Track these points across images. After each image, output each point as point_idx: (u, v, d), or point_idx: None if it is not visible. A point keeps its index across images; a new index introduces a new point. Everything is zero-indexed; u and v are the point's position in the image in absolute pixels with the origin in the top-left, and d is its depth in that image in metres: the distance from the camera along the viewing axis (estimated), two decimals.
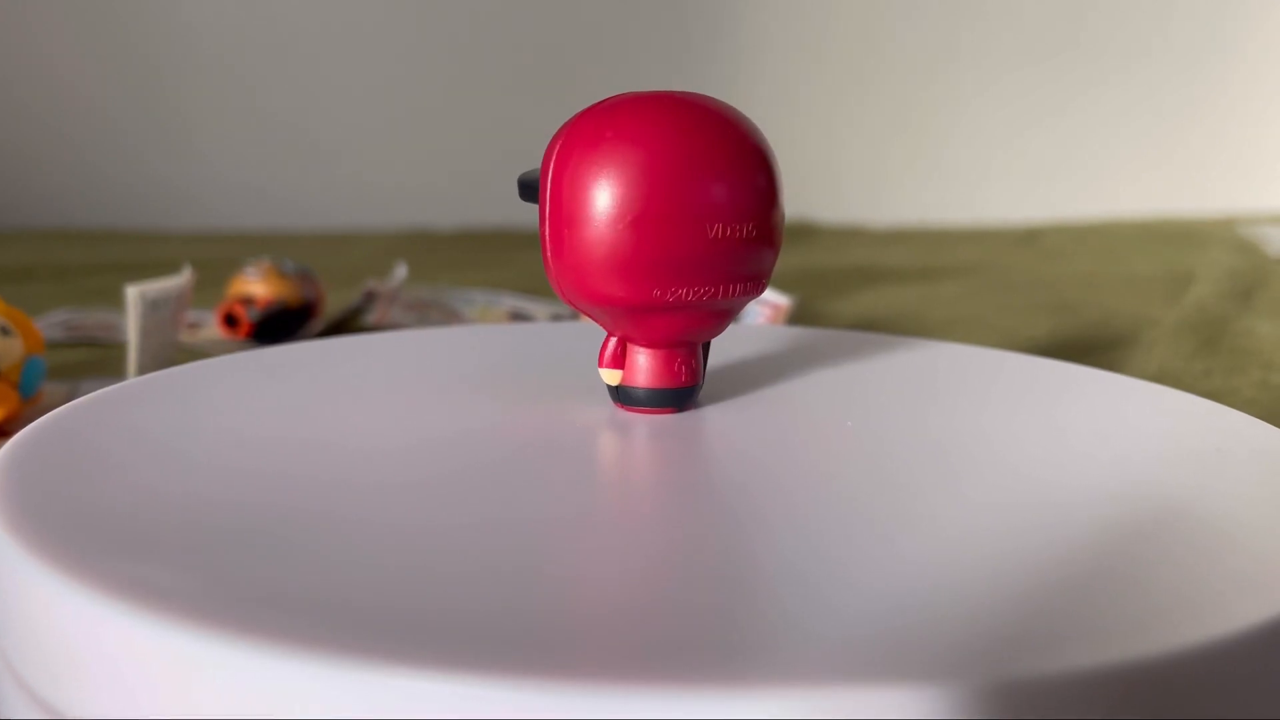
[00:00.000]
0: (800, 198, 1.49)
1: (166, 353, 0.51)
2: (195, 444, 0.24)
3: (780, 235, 0.27)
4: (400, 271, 0.71)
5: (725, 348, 0.34)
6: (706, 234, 0.25)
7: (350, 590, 0.17)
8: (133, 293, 0.46)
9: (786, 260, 1.10)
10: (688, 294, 0.26)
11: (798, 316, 0.73)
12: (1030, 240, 1.31)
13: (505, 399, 0.28)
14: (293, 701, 0.15)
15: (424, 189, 1.50)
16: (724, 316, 0.27)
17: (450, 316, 0.69)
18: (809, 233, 1.38)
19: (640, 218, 0.25)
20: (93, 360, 0.59)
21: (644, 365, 0.27)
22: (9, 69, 1.44)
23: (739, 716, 0.14)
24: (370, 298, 0.69)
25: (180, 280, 0.51)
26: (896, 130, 1.60)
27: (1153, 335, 0.67)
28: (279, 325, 0.63)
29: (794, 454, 0.25)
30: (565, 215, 0.25)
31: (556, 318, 0.69)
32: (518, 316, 0.69)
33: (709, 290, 0.26)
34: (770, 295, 0.56)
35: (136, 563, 0.18)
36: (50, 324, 0.66)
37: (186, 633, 0.15)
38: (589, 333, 0.36)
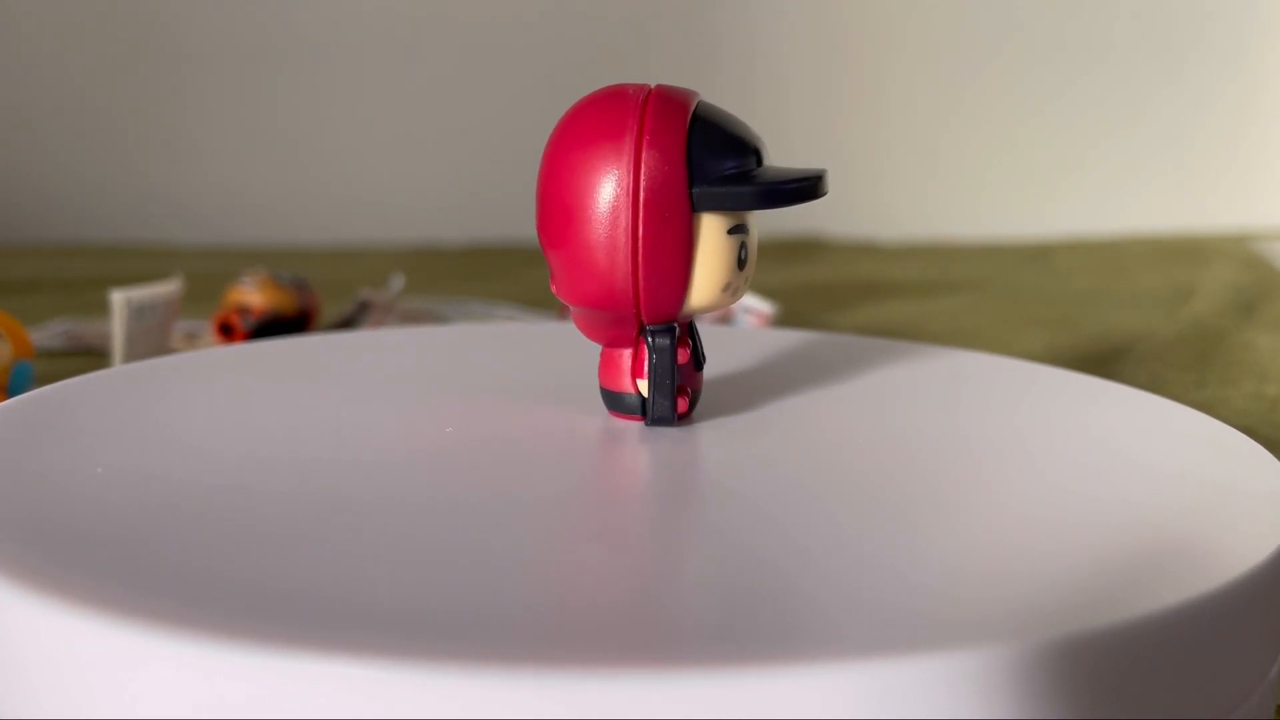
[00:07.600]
0: (810, 212, 1.49)
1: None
2: (142, 439, 0.24)
3: (562, 236, 0.26)
4: (396, 282, 0.72)
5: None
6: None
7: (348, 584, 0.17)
8: (118, 298, 0.47)
9: (792, 273, 1.10)
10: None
11: (795, 329, 0.72)
12: (1041, 256, 1.30)
13: (500, 400, 0.29)
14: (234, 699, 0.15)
15: (434, 204, 1.51)
16: (601, 320, 0.27)
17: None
18: (818, 248, 1.38)
19: None
20: (87, 369, 0.59)
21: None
22: (14, 88, 1.46)
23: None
24: (364, 307, 0.69)
25: (169, 288, 0.52)
26: (908, 147, 1.60)
27: (1146, 348, 0.67)
28: (274, 334, 0.63)
29: (785, 451, 0.25)
30: None
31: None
32: None
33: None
34: (754, 303, 0.56)
35: (59, 560, 0.18)
36: (50, 333, 0.67)
37: (110, 628, 0.16)
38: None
